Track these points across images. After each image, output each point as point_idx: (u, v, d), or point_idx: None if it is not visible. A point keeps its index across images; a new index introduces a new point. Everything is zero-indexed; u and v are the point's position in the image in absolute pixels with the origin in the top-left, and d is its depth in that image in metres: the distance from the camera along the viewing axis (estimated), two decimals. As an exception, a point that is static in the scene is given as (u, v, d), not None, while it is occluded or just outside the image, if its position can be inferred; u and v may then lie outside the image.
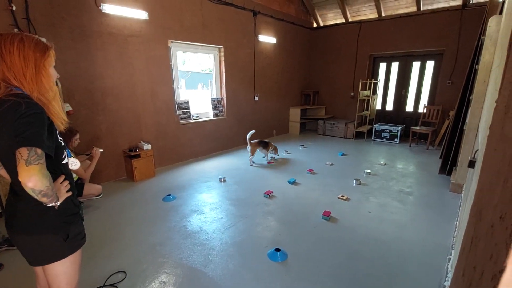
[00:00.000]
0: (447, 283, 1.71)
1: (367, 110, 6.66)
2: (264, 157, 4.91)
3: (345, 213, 2.97)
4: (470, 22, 5.26)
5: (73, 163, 1.28)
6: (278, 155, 4.98)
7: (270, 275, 2.04)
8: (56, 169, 1.13)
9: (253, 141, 4.60)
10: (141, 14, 3.81)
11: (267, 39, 6.00)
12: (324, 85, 7.68)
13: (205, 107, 5.46)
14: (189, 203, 3.23)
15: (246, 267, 2.12)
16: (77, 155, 3.14)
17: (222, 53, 5.16)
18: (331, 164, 4.67)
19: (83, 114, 3.53)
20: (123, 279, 2.01)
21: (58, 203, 1.07)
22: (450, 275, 1.75)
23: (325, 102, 7.76)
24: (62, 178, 1.13)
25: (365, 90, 6.53)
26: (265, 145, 4.66)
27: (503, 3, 2.87)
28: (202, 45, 4.84)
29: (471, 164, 2.21)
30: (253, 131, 4.73)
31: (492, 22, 3.05)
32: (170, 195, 3.40)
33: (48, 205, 1.02)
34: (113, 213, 3.02)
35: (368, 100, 6.52)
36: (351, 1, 6.47)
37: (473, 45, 4.29)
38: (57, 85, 1.05)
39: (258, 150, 4.68)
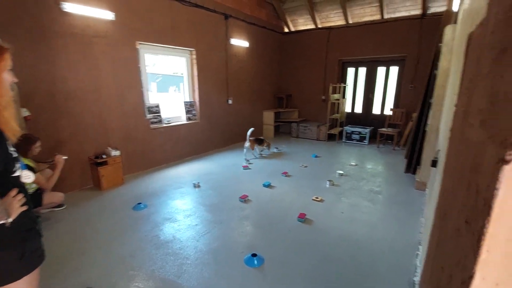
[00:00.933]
0: (416, 279, 1.79)
1: (337, 113, 6.89)
2: (260, 152, 5.53)
3: (319, 214, 3.02)
4: (429, 30, 5.66)
5: (26, 176, 1.17)
6: (269, 150, 5.62)
7: (247, 281, 2.00)
8: (5, 182, 1.03)
9: (251, 138, 5.23)
10: (107, 15, 3.63)
11: (240, 42, 6.00)
12: (296, 89, 7.84)
13: (178, 111, 5.31)
14: (161, 211, 3.10)
15: (222, 275, 2.07)
16: (37, 163, 2.88)
17: (194, 56, 5.06)
18: (305, 166, 4.75)
19: (44, 118, 3.27)
20: (89, 297, 1.87)
21: (10, 219, 0.98)
22: (419, 270, 1.83)
23: (297, 105, 7.91)
24: (14, 191, 1.02)
25: (335, 93, 6.76)
26: (260, 142, 5.34)
27: (457, 13, 3.11)
28: (172, 48, 4.71)
29: (434, 163, 2.35)
30: (252, 128, 5.31)
31: (448, 30, 3.30)
32: (140, 203, 3.24)
33: None
34: (78, 225, 2.81)
35: (339, 103, 6.75)
36: (320, 8, 6.68)
37: (432, 52, 4.61)
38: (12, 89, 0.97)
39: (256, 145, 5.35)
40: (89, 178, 3.84)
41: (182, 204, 3.28)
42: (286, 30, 7.67)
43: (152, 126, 4.56)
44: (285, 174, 4.32)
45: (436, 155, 2.40)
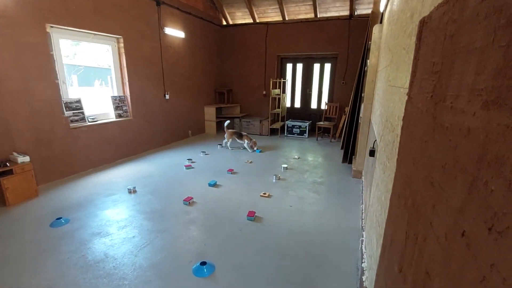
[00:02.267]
0: (364, 265, 1.86)
1: (278, 107, 7.03)
2: (243, 148, 5.51)
3: (269, 210, 2.97)
4: (357, 30, 6.16)
5: None
6: (252, 149, 5.38)
7: (197, 295, 1.80)
8: None
9: (230, 130, 5.41)
10: (0, -14, 2.89)
11: (175, 32, 5.56)
12: (238, 83, 7.73)
13: (105, 107, 4.65)
14: (88, 225, 2.63)
15: (168, 292, 1.82)
16: None
17: (122, 44, 4.48)
18: (250, 162, 4.69)
19: None
20: None
21: None
22: (365, 256, 1.91)
23: (239, 100, 7.82)
24: None
25: (276, 88, 6.88)
26: (239, 136, 5.35)
27: (383, 13, 3.39)
28: (95, 34, 4.07)
29: (372, 153, 2.50)
30: (228, 120, 5.62)
31: (375, 29, 3.57)
32: (61, 218, 2.69)
33: None
34: (-32, 256, 2.17)
35: (279, 98, 6.89)
36: (258, 2, 6.66)
37: (361, 50, 5.02)
38: None
39: (234, 138, 5.42)
40: (-14, 193, 3.05)
41: (115, 214, 2.85)
42: (224, 23, 7.46)
43: (73, 125, 3.88)
44: (231, 171, 4.18)
45: (373, 145, 2.57)
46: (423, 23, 0.92)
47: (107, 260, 2.12)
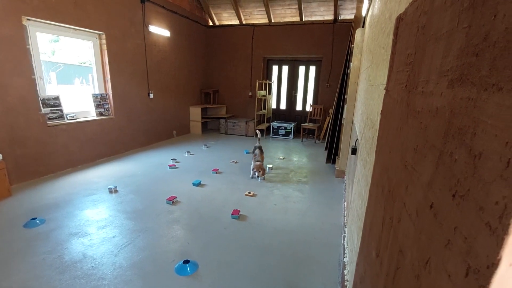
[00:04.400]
0: (346, 259, 1.89)
1: (264, 109, 7.07)
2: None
3: (253, 209, 2.98)
4: (341, 34, 6.31)
5: None
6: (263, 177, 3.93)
7: (179, 293, 1.78)
8: None
9: (258, 162, 3.83)
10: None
11: (160, 31, 5.49)
12: (223, 84, 7.71)
13: (85, 105, 4.51)
14: (65, 225, 2.53)
15: (149, 291, 1.78)
16: None
17: (104, 41, 4.37)
18: (236, 162, 4.68)
19: None
20: None
21: None
22: (347, 251, 1.95)
23: (225, 101, 7.80)
24: None
25: (262, 90, 6.92)
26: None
27: (365, 18, 3.50)
28: (75, 29, 3.94)
29: (354, 151, 2.57)
30: (259, 136, 4.56)
31: (358, 33, 3.68)
32: (35, 218, 2.58)
33: None
34: None
35: (265, 100, 6.93)
36: (244, 4, 6.70)
37: (344, 54, 5.15)
38: None
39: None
40: (-46, 193, 2.88)
41: (94, 214, 2.76)
42: (210, 23, 7.44)
43: (50, 122, 3.73)
44: (216, 171, 4.15)
45: (355, 144, 2.64)
46: (399, 19, 0.96)
47: (85, 261, 2.05)
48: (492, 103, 0.29)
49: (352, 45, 3.95)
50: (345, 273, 1.78)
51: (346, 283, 1.67)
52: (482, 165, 0.29)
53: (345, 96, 4.27)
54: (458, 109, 0.36)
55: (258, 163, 3.82)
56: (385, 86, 1.06)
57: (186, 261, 2.03)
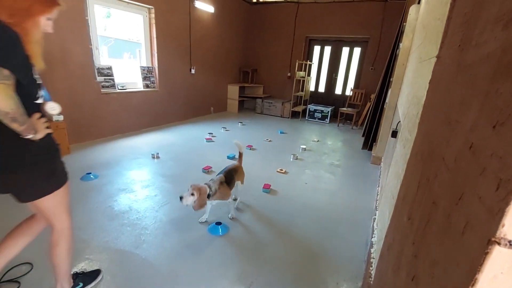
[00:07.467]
0: (374, 239, 1.89)
1: (302, 90, 6.94)
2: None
3: (284, 185, 3.04)
4: (392, 13, 5.84)
5: (52, 108, 1.19)
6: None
7: (210, 250, 1.93)
8: (29, 106, 1.04)
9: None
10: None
11: (205, 6, 5.56)
12: (263, 63, 7.67)
13: (134, 77, 4.83)
14: (115, 182, 2.83)
15: (184, 244, 1.97)
16: None
17: (153, 15, 4.57)
18: (270, 141, 4.74)
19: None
20: (28, 272, 1.63)
21: (38, 136, 1.06)
22: (376, 232, 1.93)
23: (263, 80, 7.79)
24: (38, 115, 1.09)
25: (301, 71, 6.77)
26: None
27: (422, -7, 3.20)
28: (128, 2, 4.17)
29: (394, 134, 2.47)
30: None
31: (412, 10, 3.39)
32: (90, 173, 2.92)
33: (25, 136, 1.01)
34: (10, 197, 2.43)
35: (304, 81, 6.79)
36: (290, -21, 6.46)
37: (394, 34, 4.79)
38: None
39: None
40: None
41: (139, 175, 3.04)
42: (255, 0, 7.33)
43: (104, 90, 4.08)
44: (250, 147, 4.26)
45: (396, 126, 2.52)
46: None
47: (131, 212, 2.30)
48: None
49: (404, 24, 3.66)
50: (371, 251, 1.79)
51: (372, 260, 1.68)
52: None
53: (391, 79, 4.02)
54: (509, 46, 0.36)
55: (197, 185, 2.04)
56: (436, 54, 1.01)
57: (218, 223, 2.18)
